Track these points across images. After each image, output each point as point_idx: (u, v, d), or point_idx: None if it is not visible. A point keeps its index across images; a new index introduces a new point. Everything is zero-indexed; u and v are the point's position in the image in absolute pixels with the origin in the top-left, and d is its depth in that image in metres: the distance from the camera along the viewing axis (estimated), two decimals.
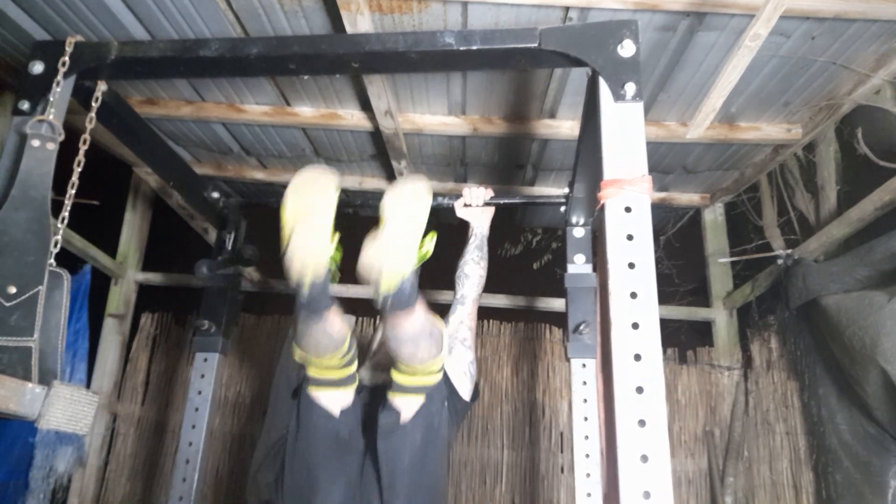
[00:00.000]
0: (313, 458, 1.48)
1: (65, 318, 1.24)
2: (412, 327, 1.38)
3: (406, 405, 1.51)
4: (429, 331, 1.42)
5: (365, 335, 3.45)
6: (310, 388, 1.50)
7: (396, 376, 1.50)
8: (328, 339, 1.40)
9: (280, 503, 1.53)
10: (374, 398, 1.71)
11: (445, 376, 1.73)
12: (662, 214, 3.77)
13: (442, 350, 1.48)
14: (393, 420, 1.49)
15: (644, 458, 0.90)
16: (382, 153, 3.12)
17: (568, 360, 2.00)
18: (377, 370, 1.79)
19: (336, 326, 1.40)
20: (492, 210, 1.99)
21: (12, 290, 1.16)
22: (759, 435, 3.13)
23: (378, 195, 1.82)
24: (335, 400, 1.51)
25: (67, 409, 1.12)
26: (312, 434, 1.49)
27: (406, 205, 1.33)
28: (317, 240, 1.31)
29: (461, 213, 1.98)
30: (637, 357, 0.95)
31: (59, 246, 1.26)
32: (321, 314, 1.36)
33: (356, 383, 1.56)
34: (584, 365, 1.97)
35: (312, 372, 1.48)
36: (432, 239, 1.59)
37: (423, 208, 1.33)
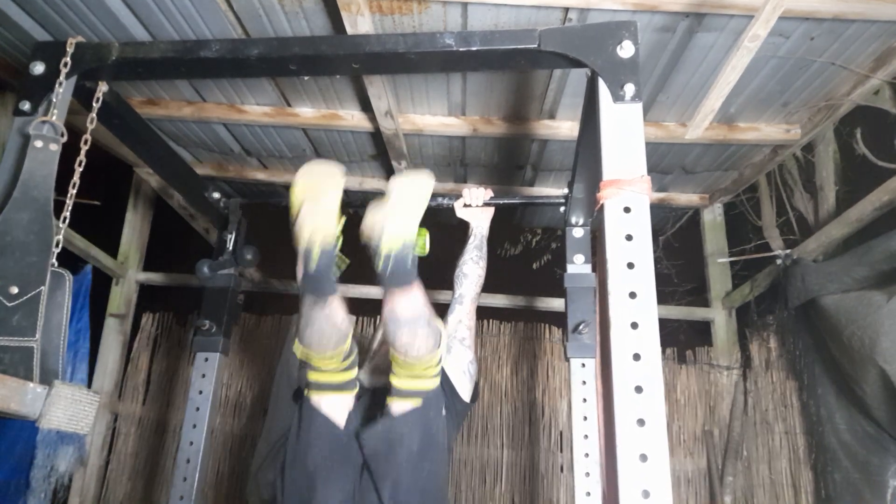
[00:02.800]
0: (313, 462, 1.45)
1: (66, 319, 1.25)
2: (410, 309, 1.39)
3: (403, 410, 1.49)
4: (427, 319, 1.42)
5: (365, 336, 3.45)
6: (311, 392, 1.49)
7: (395, 380, 1.50)
8: (331, 328, 1.39)
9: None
10: (373, 401, 1.71)
11: (445, 377, 1.73)
12: (662, 214, 3.77)
13: (440, 346, 1.47)
14: (388, 425, 1.48)
15: (643, 458, 0.90)
16: (383, 154, 3.13)
17: (567, 359, 2.00)
18: (376, 373, 1.79)
19: (339, 316, 1.40)
20: (491, 210, 1.99)
21: (14, 290, 1.17)
22: (758, 434, 3.13)
23: (379, 195, 1.85)
24: (336, 406, 1.50)
25: (68, 409, 1.13)
26: (314, 440, 1.47)
27: (412, 183, 1.41)
28: (327, 208, 1.34)
29: (461, 213, 1.98)
30: (636, 357, 0.96)
31: (60, 246, 1.27)
32: (326, 298, 1.36)
33: (356, 389, 1.55)
34: (583, 364, 1.97)
35: (313, 375, 1.47)
36: (427, 237, 1.62)
37: (427, 189, 1.41)
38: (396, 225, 1.34)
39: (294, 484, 1.48)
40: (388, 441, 1.46)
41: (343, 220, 1.43)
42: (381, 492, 1.43)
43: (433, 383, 1.52)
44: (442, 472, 1.56)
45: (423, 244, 1.73)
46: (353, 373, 1.52)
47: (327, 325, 1.38)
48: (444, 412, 1.58)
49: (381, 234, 1.34)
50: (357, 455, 1.50)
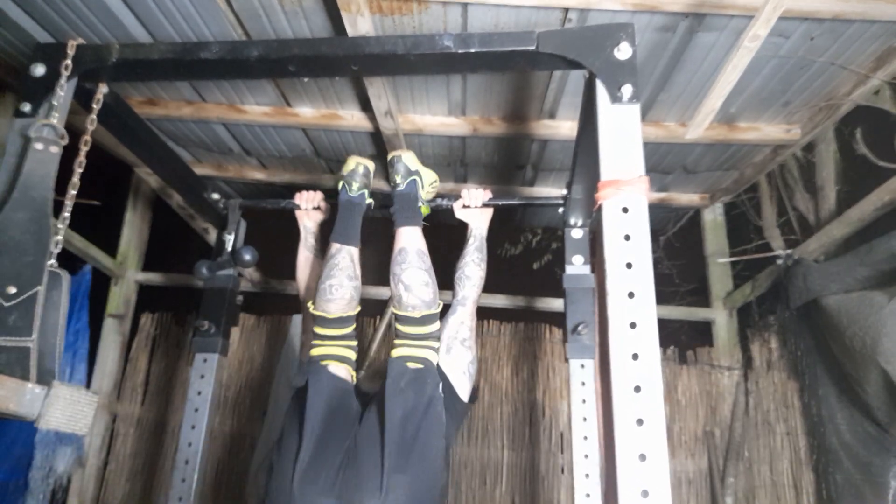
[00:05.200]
0: (316, 416, 1.54)
1: (63, 319, 1.24)
2: (412, 245, 1.70)
3: (401, 370, 1.62)
4: (425, 267, 1.68)
5: (364, 336, 3.45)
6: (315, 358, 1.68)
7: (395, 351, 1.67)
8: (346, 277, 1.66)
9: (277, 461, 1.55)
10: (371, 405, 1.72)
11: (445, 377, 1.74)
12: (662, 214, 3.77)
13: (437, 305, 1.69)
14: (394, 375, 1.60)
15: (642, 457, 0.90)
16: (382, 154, 3.12)
17: (567, 360, 2.00)
18: (374, 379, 1.80)
19: (355, 267, 1.70)
20: (490, 211, 1.99)
21: (11, 290, 1.17)
22: (760, 435, 3.13)
23: (378, 195, 1.88)
24: (339, 369, 1.69)
25: (67, 410, 1.13)
26: (321, 391, 1.59)
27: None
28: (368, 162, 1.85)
29: (460, 214, 1.98)
30: (635, 356, 0.96)
31: (60, 246, 1.26)
32: (351, 238, 1.72)
33: (353, 365, 1.75)
34: (582, 365, 1.97)
35: (317, 348, 1.67)
36: (436, 182, 2.01)
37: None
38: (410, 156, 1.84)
39: (288, 450, 1.52)
40: (390, 388, 1.56)
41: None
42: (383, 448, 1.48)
43: (433, 355, 1.68)
44: (436, 441, 1.57)
45: (431, 188, 1.97)
46: (353, 352, 1.73)
47: (344, 271, 1.66)
48: (440, 391, 1.66)
49: (401, 152, 1.82)
50: (356, 415, 1.61)
